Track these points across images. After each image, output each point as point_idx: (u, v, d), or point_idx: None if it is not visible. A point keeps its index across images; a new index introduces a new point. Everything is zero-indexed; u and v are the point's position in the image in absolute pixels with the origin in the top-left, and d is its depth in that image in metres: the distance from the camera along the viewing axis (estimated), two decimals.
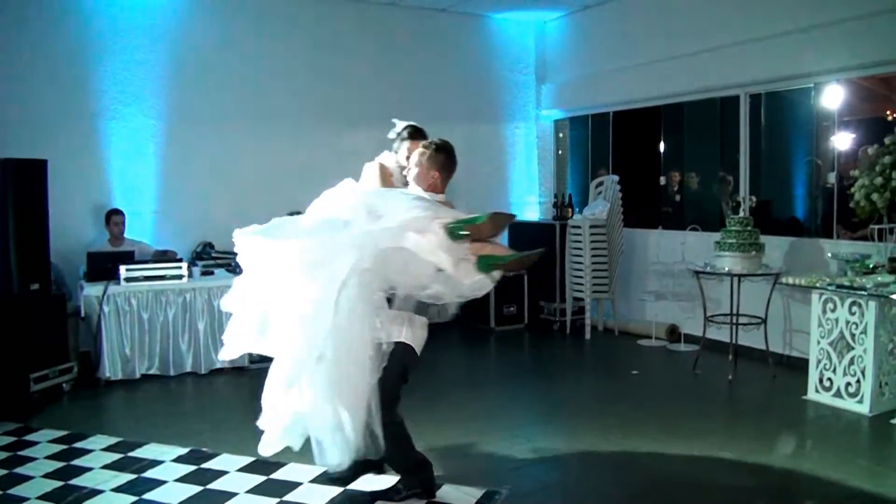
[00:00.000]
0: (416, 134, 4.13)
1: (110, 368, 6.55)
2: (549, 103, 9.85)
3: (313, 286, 3.44)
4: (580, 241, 8.37)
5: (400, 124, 4.20)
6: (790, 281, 6.13)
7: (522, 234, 8.87)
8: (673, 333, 7.99)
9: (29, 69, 7.11)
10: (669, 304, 8.07)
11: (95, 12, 7.44)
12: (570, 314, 8.66)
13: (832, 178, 7.02)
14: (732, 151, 7.68)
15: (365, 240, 3.45)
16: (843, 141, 7.07)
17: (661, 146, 8.69)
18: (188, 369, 6.81)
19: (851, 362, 5.59)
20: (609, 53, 8.85)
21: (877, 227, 5.93)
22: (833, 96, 6.93)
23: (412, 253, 3.44)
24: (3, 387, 5.73)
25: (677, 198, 8.77)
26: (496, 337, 8.56)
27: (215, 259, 7.48)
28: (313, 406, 3.56)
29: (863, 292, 5.45)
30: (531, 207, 9.94)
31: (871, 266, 5.83)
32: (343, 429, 3.49)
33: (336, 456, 3.60)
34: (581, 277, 8.41)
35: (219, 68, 7.93)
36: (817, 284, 5.80)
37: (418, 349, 3.85)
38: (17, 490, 4.32)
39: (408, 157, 4.01)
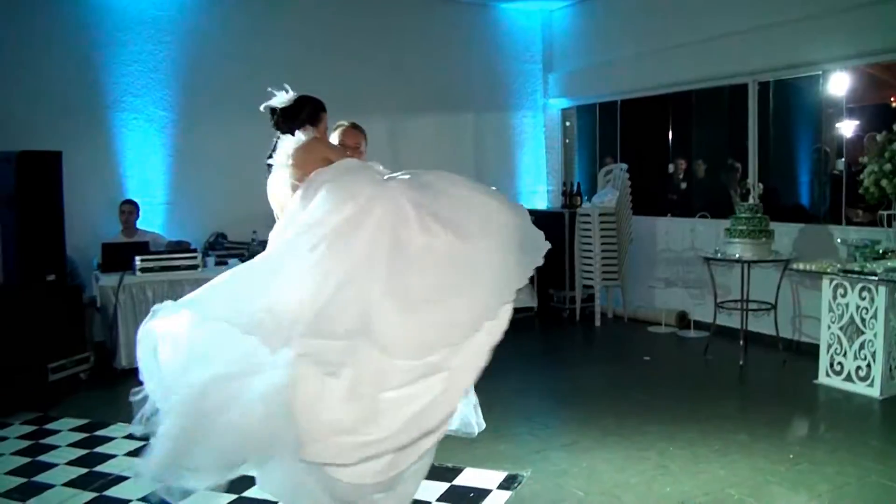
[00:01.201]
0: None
1: (126, 358, 6.59)
2: (556, 92, 9.88)
3: None
4: (589, 230, 8.42)
5: (288, 94, 3.31)
6: (801, 267, 6.19)
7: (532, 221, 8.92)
8: (682, 320, 8.05)
9: (40, 62, 7.13)
10: (679, 291, 8.12)
11: (105, 4, 7.47)
12: (580, 302, 8.72)
13: (840, 164, 7.07)
14: (741, 139, 7.72)
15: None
16: (849, 128, 7.11)
17: (670, 134, 8.72)
18: None
19: (862, 346, 5.66)
20: (616, 42, 8.87)
21: (886, 212, 5.98)
22: (840, 84, 6.97)
23: None
24: (21, 377, 5.78)
25: (683, 185, 8.81)
26: None
27: (228, 249, 7.54)
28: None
29: (873, 277, 5.51)
30: (539, 196, 9.99)
31: (880, 251, 5.88)
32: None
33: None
34: (591, 265, 8.46)
35: (229, 59, 7.94)
36: (828, 270, 5.86)
37: None
38: (42, 477, 4.38)
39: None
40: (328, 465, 2.73)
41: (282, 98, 3.29)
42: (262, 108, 3.31)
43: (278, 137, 3.21)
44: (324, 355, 2.63)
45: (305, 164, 3.10)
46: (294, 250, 2.79)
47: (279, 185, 3.18)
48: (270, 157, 3.22)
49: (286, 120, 3.25)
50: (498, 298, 2.83)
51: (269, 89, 3.31)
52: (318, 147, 3.18)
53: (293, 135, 3.19)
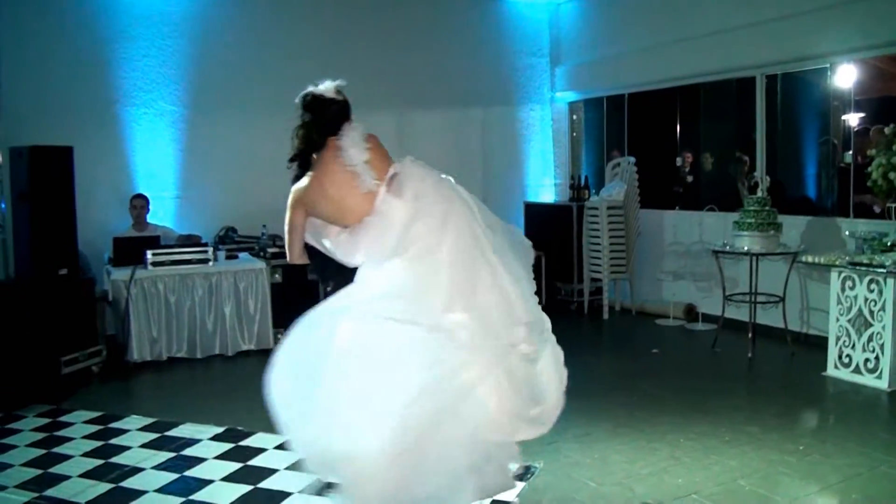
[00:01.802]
0: None
1: (138, 351, 6.65)
2: (563, 85, 9.88)
3: None
4: (597, 223, 8.43)
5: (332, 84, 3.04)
6: (809, 259, 6.21)
7: (539, 215, 8.98)
8: (690, 313, 8.07)
9: (50, 58, 7.16)
10: (686, 284, 8.13)
11: None
12: (588, 295, 8.74)
13: (848, 157, 7.08)
14: (748, 132, 7.72)
15: None
16: (856, 120, 7.12)
17: (678, 127, 8.72)
18: (216, 351, 6.92)
19: (870, 339, 5.67)
20: (624, 35, 8.86)
21: (894, 205, 5.99)
22: (847, 76, 6.97)
23: None
24: (34, 370, 5.82)
25: (690, 178, 8.82)
26: None
27: (238, 243, 7.58)
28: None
29: (881, 270, 5.53)
30: (547, 189, 10.00)
31: (888, 244, 5.90)
32: None
33: None
34: (599, 258, 8.48)
35: (238, 53, 7.97)
36: (836, 263, 5.88)
37: None
38: (59, 469, 4.42)
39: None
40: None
41: (328, 87, 3.04)
42: (312, 95, 3.04)
43: (335, 136, 2.96)
44: (527, 344, 2.98)
45: (384, 160, 3.02)
46: (431, 254, 2.86)
47: (346, 184, 2.94)
48: (304, 156, 3.04)
49: (342, 114, 3.03)
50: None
51: (316, 81, 3.07)
52: (380, 144, 3.05)
53: (338, 132, 2.99)
